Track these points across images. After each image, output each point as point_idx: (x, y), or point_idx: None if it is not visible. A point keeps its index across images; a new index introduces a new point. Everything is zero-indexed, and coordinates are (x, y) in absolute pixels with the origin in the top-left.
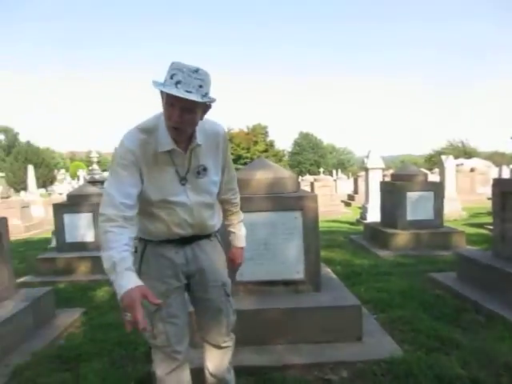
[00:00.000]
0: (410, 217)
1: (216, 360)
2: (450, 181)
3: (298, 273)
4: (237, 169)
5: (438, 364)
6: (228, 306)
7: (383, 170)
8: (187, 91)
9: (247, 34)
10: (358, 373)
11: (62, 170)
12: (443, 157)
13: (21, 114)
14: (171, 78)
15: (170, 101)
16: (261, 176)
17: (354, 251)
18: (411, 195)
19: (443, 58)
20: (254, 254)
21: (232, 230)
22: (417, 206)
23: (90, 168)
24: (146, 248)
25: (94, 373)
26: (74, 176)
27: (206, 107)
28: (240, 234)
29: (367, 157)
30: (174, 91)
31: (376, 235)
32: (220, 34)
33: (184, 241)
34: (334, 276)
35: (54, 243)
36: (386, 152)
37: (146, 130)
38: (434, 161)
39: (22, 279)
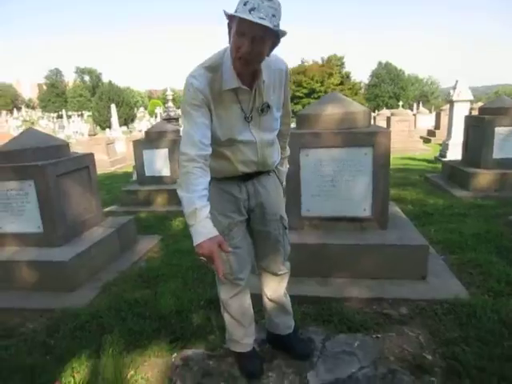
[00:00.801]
0: (496, 155)
1: (273, 286)
2: None
3: (364, 210)
4: (309, 103)
5: (506, 309)
6: (285, 237)
7: (471, 102)
8: (261, 18)
9: None
10: (418, 310)
11: (141, 108)
12: None
13: (103, 55)
14: (244, 5)
15: (241, 30)
16: (331, 111)
17: (428, 190)
18: (500, 130)
19: None
20: (321, 190)
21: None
22: (506, 143)
23: (166, 106)
24: (209, 184)
25: (169, 292)
26: (152, 113)
27: (274, 41)
28: (284, 170)
29: (454, 88)
30: (248, 16)
31: (455, 174)
32: None
33: (246, 177)
34: (403, 215)
35: (134, 177)
36: (479, 82)
37: (212, 68)
38: None
39: (108, 208)
